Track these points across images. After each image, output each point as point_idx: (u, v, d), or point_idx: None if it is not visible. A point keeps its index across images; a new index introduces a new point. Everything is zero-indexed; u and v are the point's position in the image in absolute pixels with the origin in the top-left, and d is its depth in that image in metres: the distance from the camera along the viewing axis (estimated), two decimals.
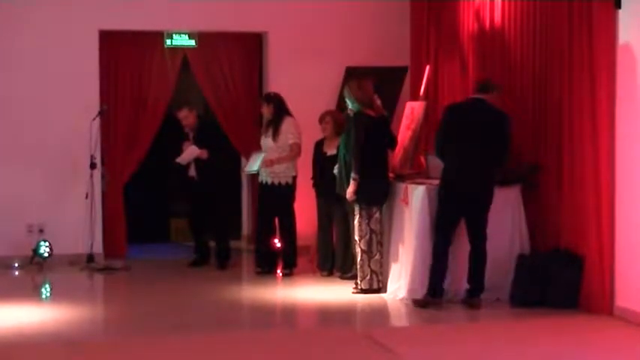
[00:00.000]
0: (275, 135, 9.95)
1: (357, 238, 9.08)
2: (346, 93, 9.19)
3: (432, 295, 8.32)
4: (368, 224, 9.01)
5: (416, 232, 8.58)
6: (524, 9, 8.99)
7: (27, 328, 7.88)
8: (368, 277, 9.04)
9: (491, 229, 8.38)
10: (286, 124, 9.98)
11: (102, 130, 11.02)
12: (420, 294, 8.50)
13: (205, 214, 10.67)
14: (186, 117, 10.57)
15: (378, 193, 9.08)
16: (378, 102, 9.17)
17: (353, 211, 9.18)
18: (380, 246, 9.07)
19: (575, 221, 8.24)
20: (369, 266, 9.03)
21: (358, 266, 9.11)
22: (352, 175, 8.95)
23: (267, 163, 9.93)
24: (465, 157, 8.23)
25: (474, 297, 8.38)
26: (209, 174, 10.56)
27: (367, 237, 9.01)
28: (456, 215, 8.35)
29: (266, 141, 10.05)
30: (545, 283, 8.20)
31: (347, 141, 9.13)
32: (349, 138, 9.06)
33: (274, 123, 9.99)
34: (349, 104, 9.13)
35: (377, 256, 9.06)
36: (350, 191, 8.98)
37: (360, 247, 9.04)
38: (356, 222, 9.08)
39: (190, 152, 10.48)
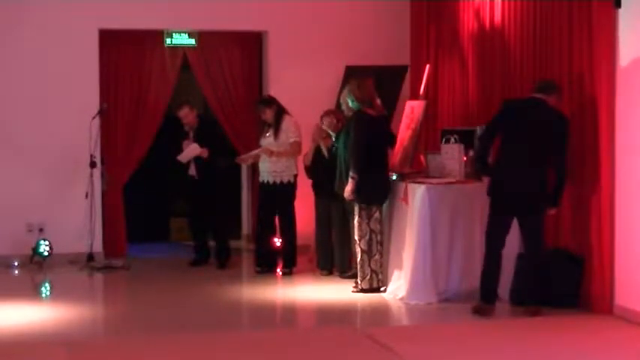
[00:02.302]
0: (276, 134, 9.97)
1: (356, 238, 9.07)
2: (346, 92, 9.19)
3: (485, 302, 8.08)
4: (368, 224, 9.00)
5: (416, 232, 8.57)
6: (524, 9, 8.99)
7: (27, 327, 7.88)
8: (368, 276, 9.03)
9: None
10: (286, 123, 10.00)
11: (102, 129, 11.02)
12: (420, 294, 8.51)
13: (205, 213, 10.68)
14: (187, 115, 10.58)
15: (378, 193, 9.07)
16: (378, 101, 9.17)
17: (352, 210, 9.18)
18: (380, 245, 9.07)
19: (575, 221, 8.25)
20: (369, 266, 9.03)
21: (358, 266, 9.11)
22: (351, 173, 8.94)
23: (268, 153, 9.94)
24: (517, 158, 7.95)
25: (529, 305, 8.02)
26: (209, 173, 10.58)
27: (367, 237, 9.00)
28: (507, 217, 8.05)
29: (266, 141, 10.06)
30: (546, 283, 8.20)
31: (346, 140, 9.13)
32: (349, 137, 9.06)
33: (275, 123, 10.00)
34: (349, 103, 9.12)
35: (377, 256, 9.05)
36: (348, 190, 8.97)
37: (360, 247, 9.03)
38: (355, 222, 9.08)
39: (191, 150, 10.49)
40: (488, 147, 8.19)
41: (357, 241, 9.05)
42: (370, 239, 9.01)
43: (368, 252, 9.02)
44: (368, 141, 8.93)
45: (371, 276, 9.04)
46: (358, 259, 9.09)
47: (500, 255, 8.06)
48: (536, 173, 7.96)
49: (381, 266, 9.08)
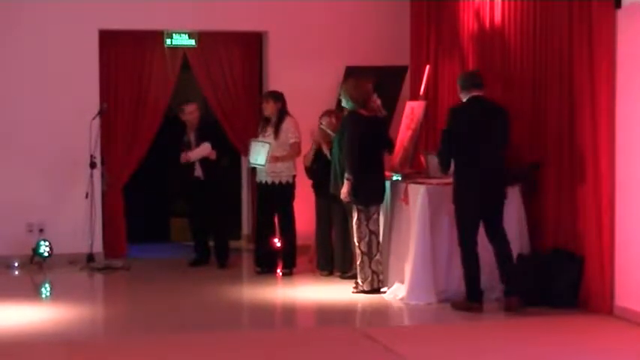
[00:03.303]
0: (276, 134, 9.96)
1: (355, 240, 9.05)
2: (342, 92, 9.19)
3: (472, 300, 8.17)
4: (367, 226, 8.98)
5: (416, 232, 8.57)
6: (524, 9, 8.99)
7: (27, 328, 7.88)
8: (369, 278, 9.01)
9: None
10: (287, 124, 9.99)
11: (102, 129, 11.02)
12: (420, 294, 8.51)
13: (206, 213, 10.68)
14: (193, 112, 10.59)
15: (376, 193, 9.05)
16: (378, 102, 9.15)
17: (351, 211, 9.16)
18: (380, 246, 9.06)
19: (575, 221, 8.25)
20: (370, 267, 9.01)
21: (358, 268, 9.08)
22: (346, 175, 8.91)
23: (272, 160, 9.91)
24: (478, 158, 8.09)
25: (510, 297, 8.12)
26: (214, 174, 10.58)
27: (367, 238, 8.98)
28: (478, 216, 8.17)
29: (264, 140, 10.04)
30: (545, 283, 8.20)
31: (341, 140, 9.10)
32: (343, 137, 9.03)
33: (276, 122, 10.00)
34: (344, 103, 9.12)
35: (377, 257, 9.04)
36: (344, 191, 8.94)
37: (360, 249, 9.01)
38: (354, 223, 9.05)
39: (203, 149, 10.48)
40: (451, 155, 8.27)
41: (357, 244, 9.04)
42: (370, 240, 9.00)
43: (368, 253, 9.00)
44: (361, 141, 8.88)
45: (372, 277, 9.02)
46: (358, 262, 9.06)
47: (477, 253, 8.16)
48: (497, 170, 8.13)
49: (381, 266, 9.07)
